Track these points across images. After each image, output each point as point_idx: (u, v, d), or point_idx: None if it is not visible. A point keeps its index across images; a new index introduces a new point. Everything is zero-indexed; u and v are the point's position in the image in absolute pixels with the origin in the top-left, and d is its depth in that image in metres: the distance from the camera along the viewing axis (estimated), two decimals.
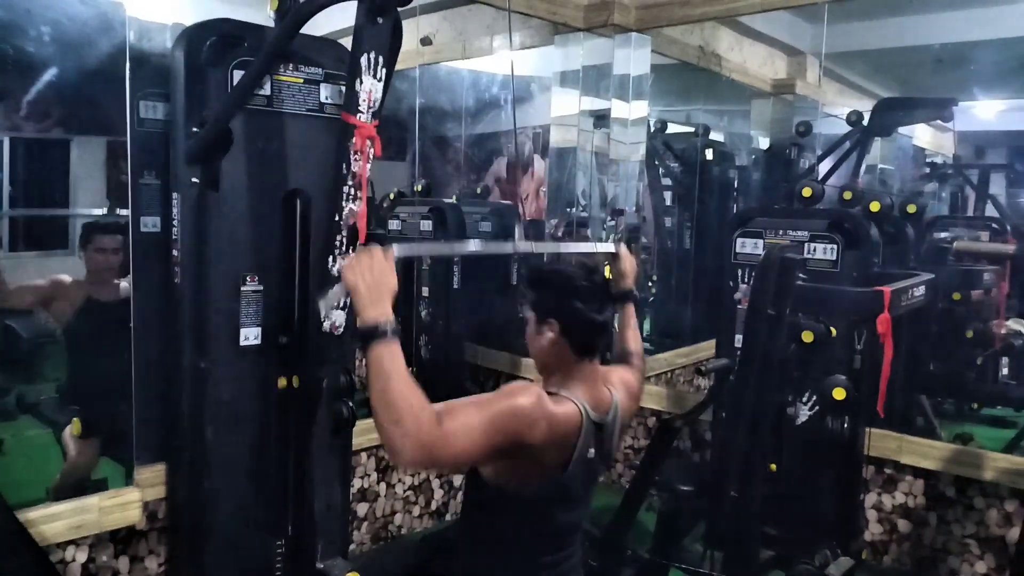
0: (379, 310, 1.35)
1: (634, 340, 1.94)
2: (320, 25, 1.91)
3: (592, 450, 1.51)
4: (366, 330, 1.33)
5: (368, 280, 1.36)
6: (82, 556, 2.07)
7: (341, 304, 1.61)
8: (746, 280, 2.58)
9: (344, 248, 1.91)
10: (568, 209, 3.88)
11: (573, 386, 1.53)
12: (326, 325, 1.94)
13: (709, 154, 4.39)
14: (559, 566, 1.56)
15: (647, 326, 4.59)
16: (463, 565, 1.59)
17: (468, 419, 1.32)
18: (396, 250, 1.44)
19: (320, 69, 2.07)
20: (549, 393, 1.48)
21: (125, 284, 2.20)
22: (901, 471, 2.78)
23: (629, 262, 1.92)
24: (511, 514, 1.49)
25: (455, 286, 3.51)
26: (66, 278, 2.35)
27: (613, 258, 1.95)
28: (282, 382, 2.08)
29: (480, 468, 1.48)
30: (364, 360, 1.34)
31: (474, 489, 1.55)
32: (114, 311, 2.17)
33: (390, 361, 1.31)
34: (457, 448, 1.30)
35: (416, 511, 3.04)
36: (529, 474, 1.45)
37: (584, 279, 1.52)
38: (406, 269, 3.50)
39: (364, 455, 2.81)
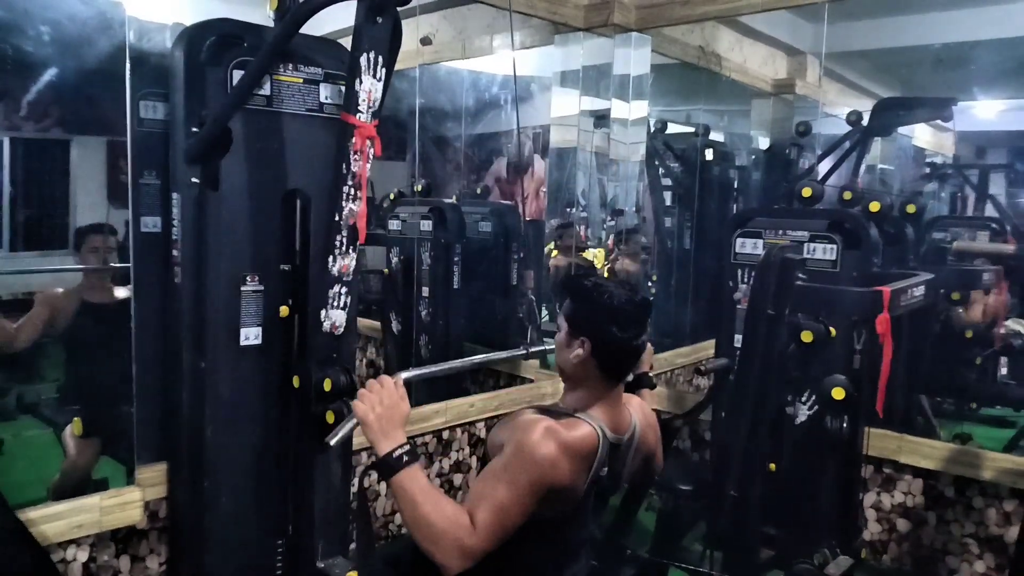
0: (393, 441, 1.38)
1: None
2: (320, 25, 1.91)
3: (605, 468, 1.51)
4: (383, 463, 1.37)
5: (379, 411, 1.40)
6: (83, 555, 2.07)
7: (349, 433, 1.62)
8: (746, 280, 2.59)
9: (344, 248, 1.92)
10: (568, 209, 3.88)
11: (594, 406, 1.51)
12: (326, 325, 1.94)
13: (709, 154, 4.39)
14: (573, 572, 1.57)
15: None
16: None
17: (500, 503, 1.34)
18: (403, 376, 1.51)
19: (320, 69, 2.07)
20: (562, 414, 1.46)
21: (121, 290, 2.22)
22: (900, 471, 2.78)
23: (648, 353, 1.89)
24: (525, 536, 1.47)
25: (455, 286, 3.51)
26: (57, 291, 2.39)
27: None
28: (284, 310, 2.07)
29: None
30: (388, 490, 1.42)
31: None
32: (109, 313, 2.19)
33: (412, 486, 1.35)
34: (497, 536, 1.34)
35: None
36: (550, 502, 1.44)
37: (626, 301, 1.47)
38: (406, 269, 3.51)
39: (364, 455, 2.81)
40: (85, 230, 2.40)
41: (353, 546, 2.05)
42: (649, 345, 1.90)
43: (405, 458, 1.36)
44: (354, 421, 1.46)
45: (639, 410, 1.66)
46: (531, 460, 1.37)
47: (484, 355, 2.33)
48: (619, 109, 3.53)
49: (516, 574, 1.52)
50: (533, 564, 1.51)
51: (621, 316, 1.46)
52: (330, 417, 1.96)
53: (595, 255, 3.82)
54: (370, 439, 1.41)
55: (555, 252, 4.28)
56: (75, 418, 2.25)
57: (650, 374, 1.92)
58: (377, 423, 1.40)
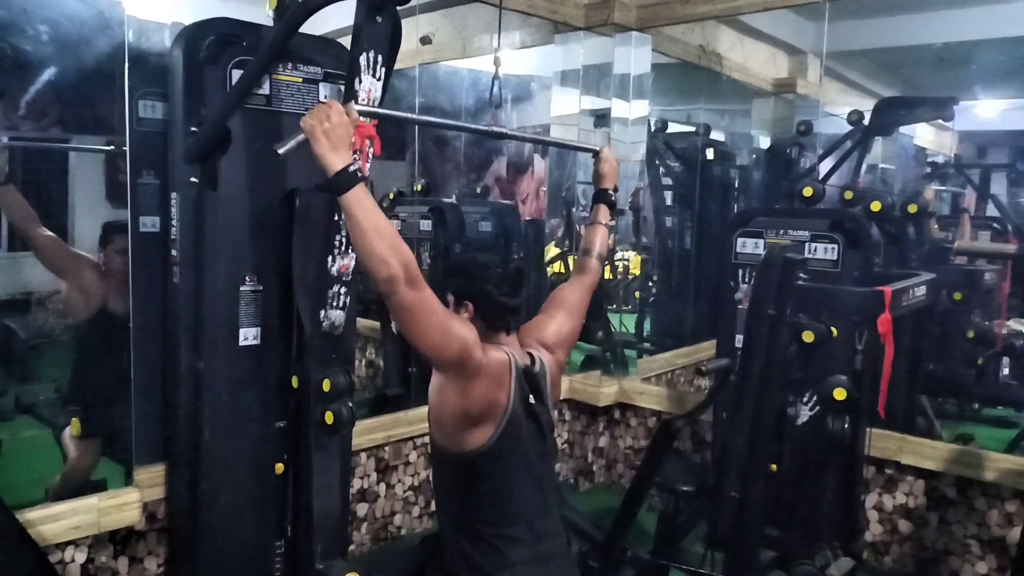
0: (343, 155, 1.44)
1: (599, 241, 1.98)
2: (319, 24, 1.90)
3: (531, 396, 1.61)
4: (339, 177, 1.43)
5: (327, 127, 1.44)
6: (81, 556, 2.07)
7: (296, 146, 1.58)
8: (747, 280, 2.58)
9: (343, 248, 1.91)
10: (568, 209, 3.87)
11: (495, 344, 1.63)
12: (325, 325, 1.93)
13: (710, 153, 4.38)
14: (538, 541, 1.59)
15: (647, 326, 4.59)
16: (448, 558, 1.65)
17: (436, 299, 1.49)
18: (356, 108, 1.54)
19: (319, 68, 2.06)
20: None
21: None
22: (902, 471, 2.77)
23: (609, 164, 2.02)
24: (475, 477, 1.57)
25: None
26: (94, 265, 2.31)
27: (596, 158, 2.04)
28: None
29: (438, 441, 1.60)
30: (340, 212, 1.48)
31: (440, 474, 1.67)
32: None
33: (366, 200, 1.42)
34: (428, 304, 1.45)
35: (416, 511, 3.03)
36: (479, 422, 1.54)
37: (496, 266, 1.64)
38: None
39: (364, 455, 2.81)
40: (112, 227, 2.29)
41: (353, 548, 2.04)
42: (612, 158, 2.02)
43: (359, 174, 1.44)
44: (302, 135, 1.49)
45: (536, 344, 1.75)
46: (460, 324, 1.53)
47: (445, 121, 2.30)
48: (619, 108, 3.52)
49: (477, 526, 1.58)
50: (490, 506, 1.57)
51: (494, 278, 1.61)
52: (329, 418, 1.96)
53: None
54: (319, 154, 1.45)
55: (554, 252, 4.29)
56: (74, 419, 2.24)
57: (610, 191, 2.02)
58: (326, 138, 1.44)
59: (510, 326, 1.65)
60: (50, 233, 2.23)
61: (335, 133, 1.44)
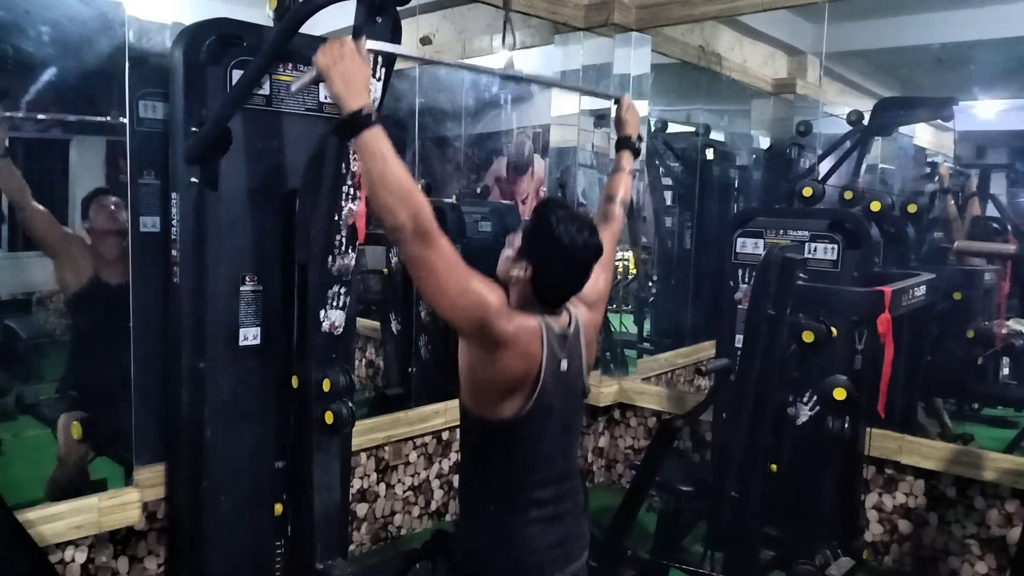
0: (360, 97, 1.36)
1: (623, 188, 1.93)
2: (319, 25, 1.90)
3: (564, 362, 1.51)
4: (353, 117, 1.35)
5: (342, 68, 1.37)
6: (81, 556, 2.07)
7: (310, 82, 1.52)
8: (746, 280, 2.58)
9: (343, 248, 1.91)
10: None
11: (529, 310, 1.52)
12: (325, 325, 1.93)
13: (710, 154, 4.39)
14: (558, 502, 1.55)
15: (647, 326, 4.59)
16: (468, 521, 1.60)
17: (455, 255, 1.37)
18: (368, 43, 1.46)
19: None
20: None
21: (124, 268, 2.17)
22: (902, 471, 2.77)
23: (631, 111, 1.99)
24: (500, 444, 1.50)
25: None
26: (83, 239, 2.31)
27: (617, 105, 2.01)
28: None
29: (467, 405, 1.51)
30: (355, 152, 1.40)
31: (468, 434, 1.57)
32: (119, 297, 2.11)
33: (381, 143, 1.34)
34: (441, 260, 1.34)
35: (416, 512, 3.03)
36: (509, 394, 1.45)
37: (581, 246, 1.48)
38: (405, 269, 3.50)
39: (364, 455, 2.81)
40: (89, 195, 2.31)
41: (353, 548, 2.04)
42: (634, 105, 1.98)
43: (373, 116, 1.35)
44: (315, 72, 1.42)
45: (576, 301, 1.63)
46: (483, 287, 1.40)
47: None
48: None
49: (497, 493, 1.52)
50: (513, 475, 1.52)
51: (569, 258, 1.47)
52: (329, 417, 1.96)
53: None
54: (335, 93, 1.37)
55: None
56: (75, 421, 2.24)
57: (633, 138, 1.98)
58: (341, 78, 1.36)
59: (556, 303, 1.52)
60: (42, 207, 2.23)
61: (348, 72, 1.37)
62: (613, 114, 2.02)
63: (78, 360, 2.43)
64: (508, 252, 1.52)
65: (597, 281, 1.66)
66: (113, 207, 2.28)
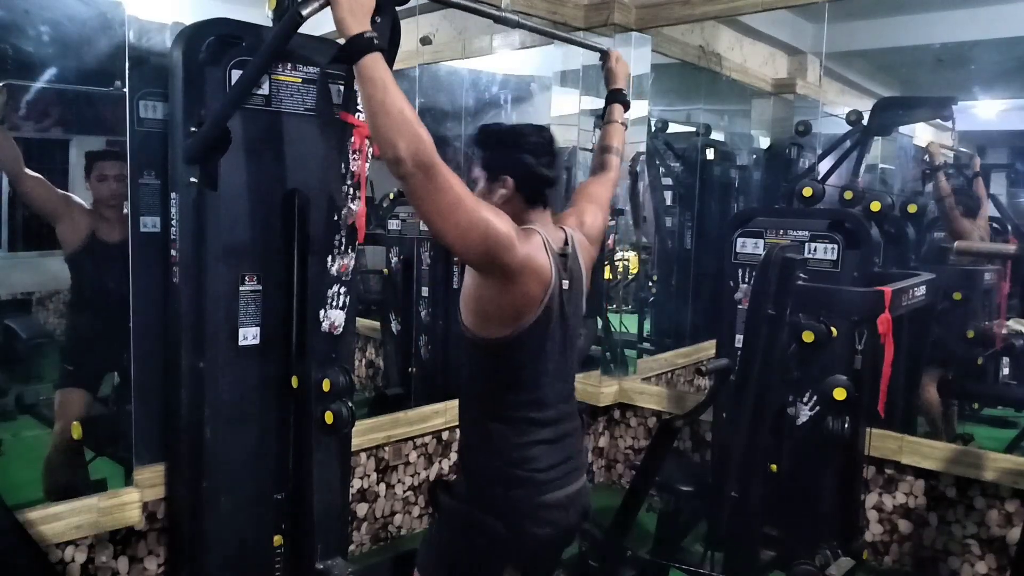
0: (361, 21, 1.37)
1: (617, 138, 1.96)
2: (319, 25, 1.90)
3: (566, 282, 1.53)
4: (355, 42, 1.35)
5: None
6: (81, 556, 2.07)
7: (319, 7, 1.53)
8: (746, 280, 2.58)
9: (343, 248, 1.91)
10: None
11: (531, 223, 1.54)
12: (325, 325, 1.94)
13: (710, 153, 4.38)
14: (559, 423, 1.58)
15: (647, 326, 4.59)
16: (467, 442, 1.63)
17: (461, 186, 1.35)
18: None
19: (319, 68, 2.06)
20: None
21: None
22: (902, 471, 2.77)
23: (620, 63, 2.03)
24: (506, 362, 1.51)
25: (455, 286, 3.51)
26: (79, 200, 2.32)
27: (604, 58, 2.05)
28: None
29: (469, 326, 1.51)
30: (356, 76, 1.36)
31: (469, 356, 1.57)
32: (118, 253, 2.13)
33: (384, 71, 1.33)
34: (445, 192, 1.32)
35: (416, 511, 3.03)
36: (517, 313, 1.46)
37: (533, 132, 1.54)
38: (405, 269, 3.50)
39: (364, 455, 2.81)
40: (94, 155, 2.32)
41: (353, 548, 2.05)
42: (622, 57, 2.04)
43: (376, 41, 1.34)
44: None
45: (572, 223, 1.69)
46: (494, 218, 1.39)
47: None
48: None
49: (500, 392, 1.54)
50: (514, 393, 1.53)
51: (533, 147, 1.52)
52: (329, 417, 1.96)
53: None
54: (338, 17, 1.38)
55: None
56: (74, 423, 2.24)
57: (624, 90, 2.02)
58: (347, 3, 1.38)
59: (548, 199, 1.56)
60: (36, 174, 2.24)
61: (356, 1, 1.39)
62: (602, 67, 2.06)
63: (78, 323, 2.44)
64: (482, 184, 1.54)
65: (595, 218, 1.75)
66: (116, 171, 2.27)
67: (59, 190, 2.32)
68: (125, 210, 2.15)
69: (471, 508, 1.56)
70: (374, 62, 1.33)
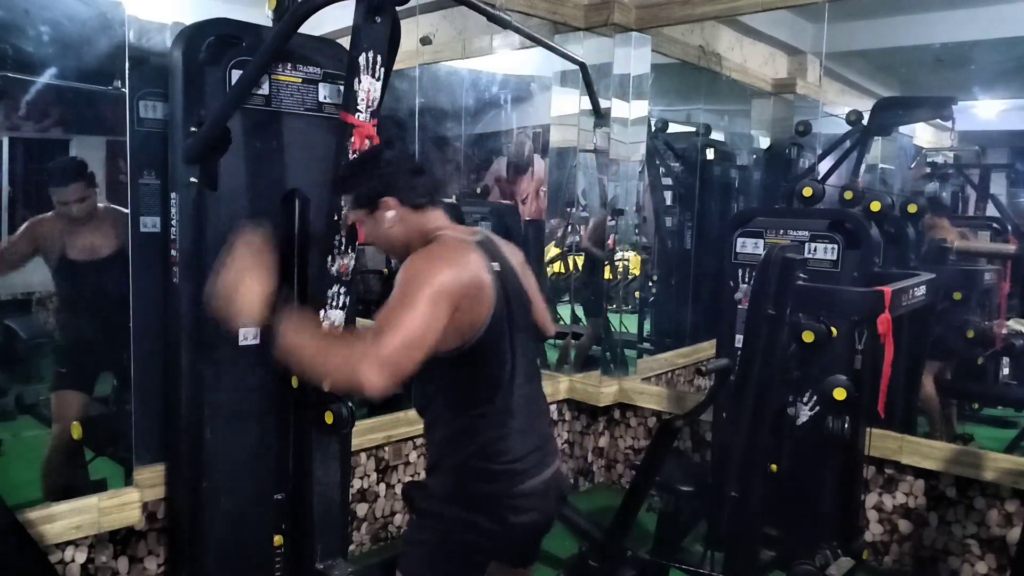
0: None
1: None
2: (318, 25, 1.90)
3: (496, 264, 1.54)
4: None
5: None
6: (81, 556, 2.07)
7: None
8: (746, 280, 2.57)
9: (343, 247, 1.91)
10: (568, 209, 3.87)
11: (443, 232, 1.56)
12: (325, 325, 1.93)
13: (710, 153, 4.38)
14: (528, 406, 1.60)
15: (647, 326, 4.59)
16: (438, 449, 1.63)
17: (407, 324, 1.35)
18: None
19: (318, 68, 2.06)
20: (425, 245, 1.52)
21: (102, 241, 2.18)
22: (902, 471, 2.77)
23: None
24: (466, 365, 1.52)
25: None
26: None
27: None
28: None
29: (438, 373, 1.53)
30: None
31: (429, 372, 1.50)
32: (91, 274, 2.14)
33: (294, 336, 1.39)
34: (409, 345, 1.34)
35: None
36: (470, 323, 1.48)
37: (385, 150, 1.60)
38: None
39: (364, 455, 2.81)
40: (51, 179, 2.24)
41: (353, 548, 2.06)
42: None
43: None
44: None
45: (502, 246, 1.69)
46: (434, 289, 1.39)
47: None
48: (619, 109, 3.53)
49: (470, 393, 1.56)
50: (482, 376, 1.54)
51: (391, 160, 1.56)
52: (329, 417, 1.96)
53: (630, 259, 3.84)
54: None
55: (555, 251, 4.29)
56: (74, 423, 2.24)
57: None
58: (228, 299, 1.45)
59: (434, 196, 1.58)
60: None
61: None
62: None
63: (65, 329, 2.44)
64: (369, 221, 1.55)
65: None
66: (75, 195, 2.23)
67: (18, 233, 2.27)
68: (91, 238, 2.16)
69: (451, 507, 1.57)
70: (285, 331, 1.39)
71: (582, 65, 2.05)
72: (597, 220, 3.68)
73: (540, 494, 1.60)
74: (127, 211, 2.10)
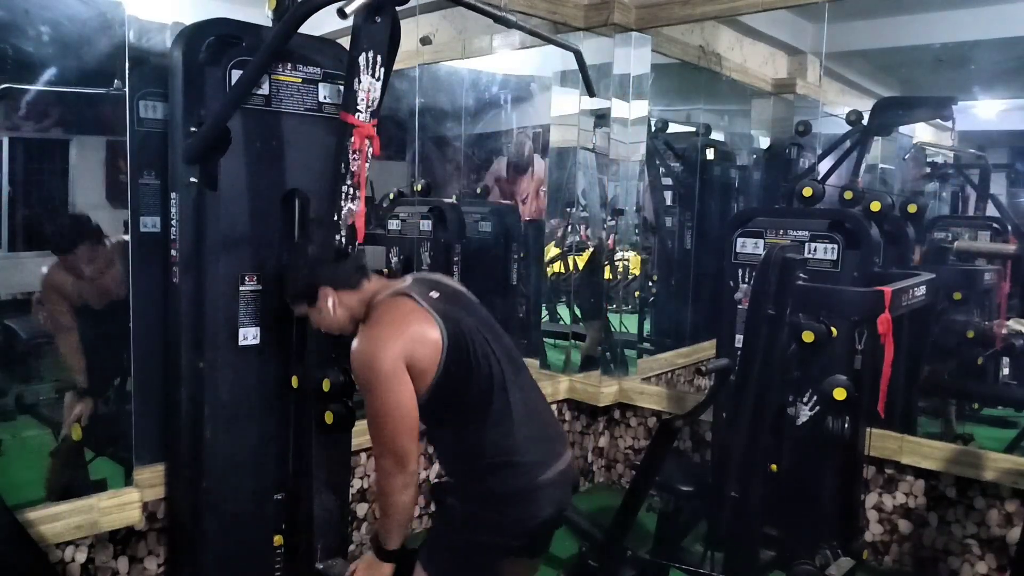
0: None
1: None
2: (318, 25, 1.90)
3: (434, 292, 1.67)
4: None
5: None
6: (81, 556, 2.07)
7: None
8: (746, 280, 2.57)
9: (343, 248, 1.91)
10: (568, 209, 3.87)
11: (378, 296, 1.68)
12: None
13: (710, 153, 4.38)
14: (525, 392, 1.71)
15: (647, 326, 4.59)
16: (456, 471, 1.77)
17: (389, 420, 1.57)
18: None
19: (318, 68, 2.06)
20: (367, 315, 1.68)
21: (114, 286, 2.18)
22: (902, 471, 2.77)
23: None
24: (453, 393, 1.64)
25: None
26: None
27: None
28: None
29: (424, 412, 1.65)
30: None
31: (429, 418, 1.68)
32: (106, 320, 2.15)
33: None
34: (406, 438, 1.58)
35: (416, 511, 3.03)
36: (431, 365, 1.61)
37: (298, 249, 1.77)
38: (405, 269, 3.50)
39: (364, 455, 2.81)
40: (62, 250, 2.24)
41: (353, 548, 2.10)
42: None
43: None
44: None
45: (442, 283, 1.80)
46: (386, 377, 1.56)
47: None
48: (619, 109, 3.53)
49: (467, 423, 1.67)
50: (472, 402, 1.65)
51: (312, 255, 1.74)
52: (329, 417, 1.96)
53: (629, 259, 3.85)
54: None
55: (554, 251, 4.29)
56: (75, 424, 2.24)
57: None
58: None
59: (365, 270, 1.72)
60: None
61: None
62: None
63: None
64: (315, 315, 1.71)
65: None
66: (88, 262, 2.27)
67: (57, 307, 2.30)
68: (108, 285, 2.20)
69: (475, 507, 1.65)
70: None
71: (577, 52, 2.06)
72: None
73: (558, 485, 1.69)
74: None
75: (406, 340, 1.57)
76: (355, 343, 1.62)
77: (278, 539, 2.13)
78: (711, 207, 4.39)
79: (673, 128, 4.52)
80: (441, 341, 1.60)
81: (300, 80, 2.04)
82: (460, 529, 1.67)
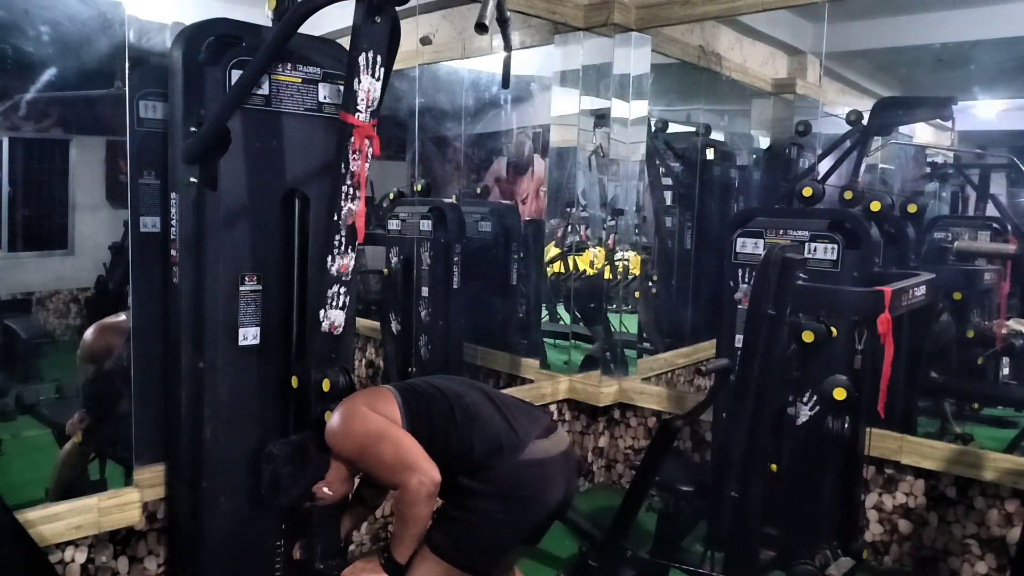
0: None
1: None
2: (318, 24, 1.90)
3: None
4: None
5: None
6: (81, 556, 2.07)
7: None
8: (746, 280, 2.58)
9: (343, 248, 1.91)
10: (568, 209, 3.87)
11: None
12: (325, 325, 1.94)
13: (710, 153, 4.38)
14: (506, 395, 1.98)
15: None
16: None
17: (398, 452, 1.78)
18: None
19: (318, 68, 2.06)
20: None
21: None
22: (902, 471, 2.77)
23: None
24: (422, 427, 1.85)
25: (455, 286, 3.51)
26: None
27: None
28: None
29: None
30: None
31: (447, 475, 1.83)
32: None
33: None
34: (413, 448, 1.78)
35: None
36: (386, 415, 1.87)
37: (273, 446, 1.89)
38: (405, 269, 3.50)
39: None
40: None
41: (353, 548, 2.15)
42: None
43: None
44: None
45: None
46: (371, 424, 1.81)
47: None
48: (619, 109, 3.53)
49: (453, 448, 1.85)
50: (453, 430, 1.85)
51: (288, 455, 1.87)
52: (328, 417, 1.95)
53: (595, 255, 3.83)
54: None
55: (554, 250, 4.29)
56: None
57: None
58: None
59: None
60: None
61: None
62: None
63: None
64: (325, 490, 1.89)
65: None
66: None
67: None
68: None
69: (484, 496, 1.80)
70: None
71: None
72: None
73: (559, 462, 1.85)
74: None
75: (364, 399, 1.87)
76: (343, 411, 1.86)
77: (291, 381, 2.12)
78: (711, 207, 4.39)
79: (673, 128, 4.52)
80: (393, 393, 1.88)
81: (300, 80, 2.03)
82: (474, 514, 1.80)
